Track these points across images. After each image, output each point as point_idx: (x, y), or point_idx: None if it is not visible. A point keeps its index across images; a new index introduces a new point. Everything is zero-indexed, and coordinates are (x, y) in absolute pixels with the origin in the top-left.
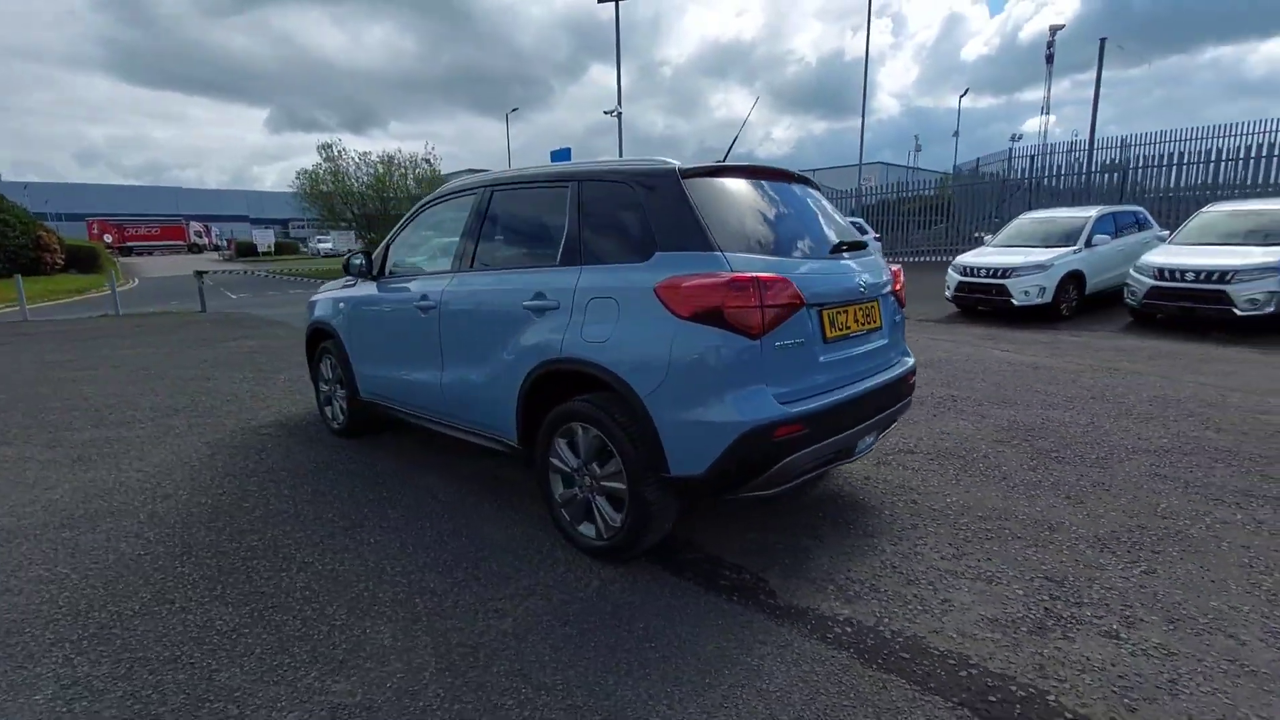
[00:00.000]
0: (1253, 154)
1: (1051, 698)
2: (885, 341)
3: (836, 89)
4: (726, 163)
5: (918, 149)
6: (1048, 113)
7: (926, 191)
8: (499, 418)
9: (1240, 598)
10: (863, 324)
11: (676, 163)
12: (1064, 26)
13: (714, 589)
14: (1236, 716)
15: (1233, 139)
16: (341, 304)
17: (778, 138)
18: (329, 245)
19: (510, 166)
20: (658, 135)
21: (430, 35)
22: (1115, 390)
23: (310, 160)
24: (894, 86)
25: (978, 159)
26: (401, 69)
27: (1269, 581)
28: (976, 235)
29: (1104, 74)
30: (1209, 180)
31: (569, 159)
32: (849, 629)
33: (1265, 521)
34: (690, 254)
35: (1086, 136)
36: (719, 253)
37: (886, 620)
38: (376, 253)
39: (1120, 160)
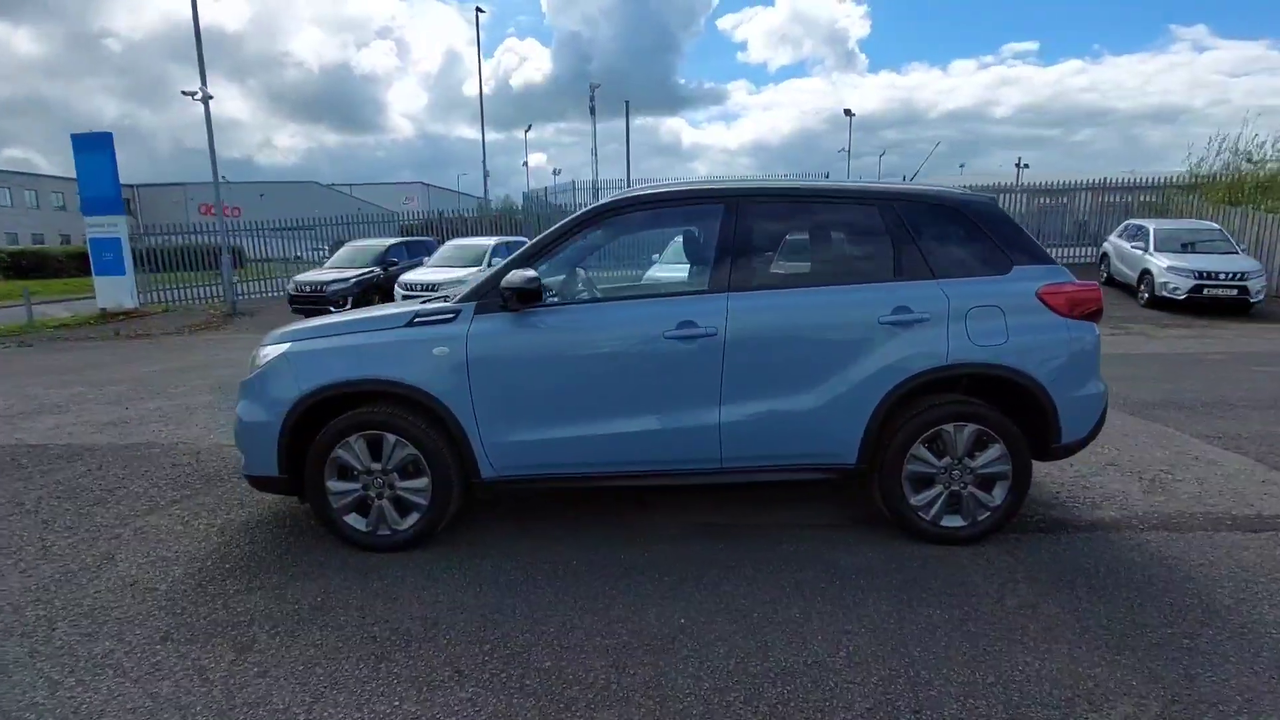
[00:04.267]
0: None
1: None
2: None
3: (347, 103)
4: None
5: (486, 174)
6: (596, 154)
7: (468, 214)
8: (833, 443)
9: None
10: None
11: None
12: (600, 85)
13: (1047, 532)
14: None
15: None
16: (442, 349)
17: (282, 145)
18: None
19: None
20: (109, 122)
21: None
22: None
23: None
24: (406, 109)
25: (546, 188)
26: None
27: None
28: None
29: (576, 125)
30: None
31: (110, 143)
32: (1144, 520)
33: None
34: (1044, 267)
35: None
36: (1061, 265)
37: (1139, 510)
38: (490, 278)
39: None
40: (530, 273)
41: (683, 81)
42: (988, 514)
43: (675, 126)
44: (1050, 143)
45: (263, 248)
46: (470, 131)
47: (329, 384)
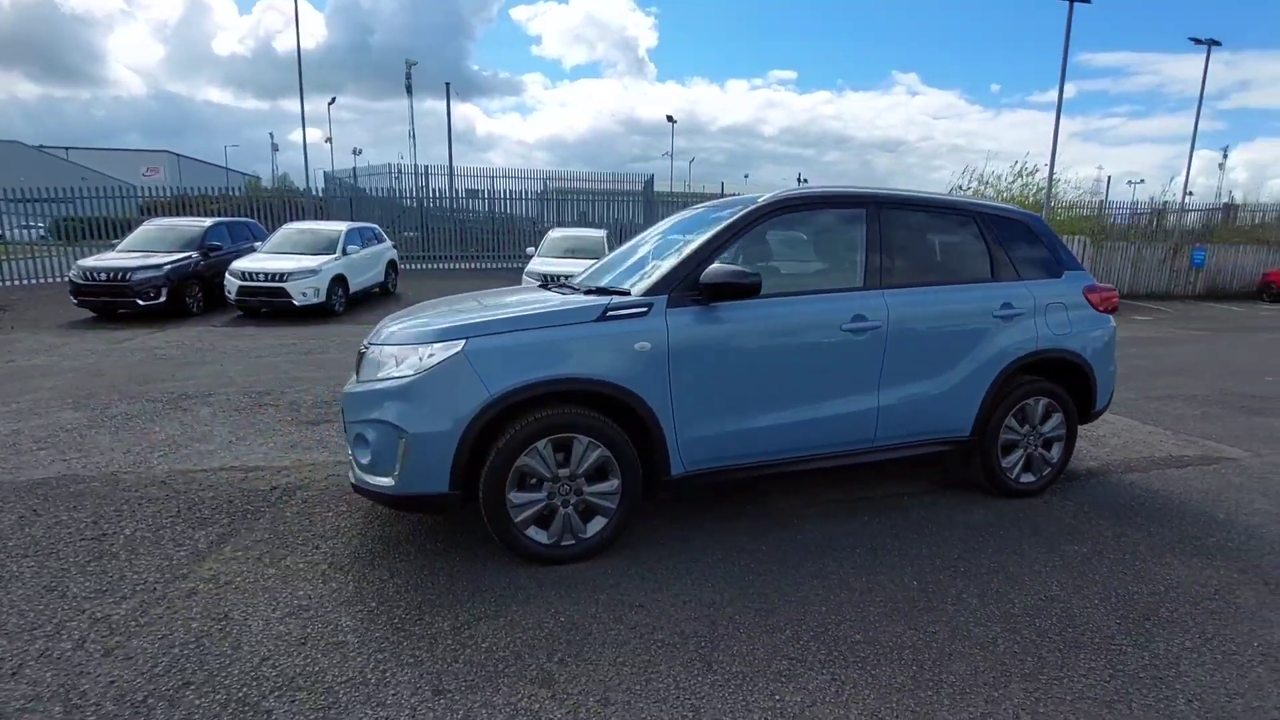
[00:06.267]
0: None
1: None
2: None
3: (50, 46)
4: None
5: (275, 148)
6: (414, 136)
7: (236, 192)
8: (956, 419)
9: None
10: None
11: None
12: (417, 63)
13: (1067, 480)
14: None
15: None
16: (644, 344)
17: None
18: None
19: None
20: None
21: None
22: None
23: None
24: (134, 61)
25: (354, 169)
26: None
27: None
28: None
29: (354, 101)
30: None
31: None
32: (1116, 466)
33: None
34: (1080, 272)
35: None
36: (1086, 271)
37: (1105, 460)
38: (675, 271)
39: (479, 188)
40: (743, 268)
41: (476, 68)
42: (1049, 469)
43: (469, 113)
44: (807, 161)
45: None
46: (220, 95)
47: (524, 384)
